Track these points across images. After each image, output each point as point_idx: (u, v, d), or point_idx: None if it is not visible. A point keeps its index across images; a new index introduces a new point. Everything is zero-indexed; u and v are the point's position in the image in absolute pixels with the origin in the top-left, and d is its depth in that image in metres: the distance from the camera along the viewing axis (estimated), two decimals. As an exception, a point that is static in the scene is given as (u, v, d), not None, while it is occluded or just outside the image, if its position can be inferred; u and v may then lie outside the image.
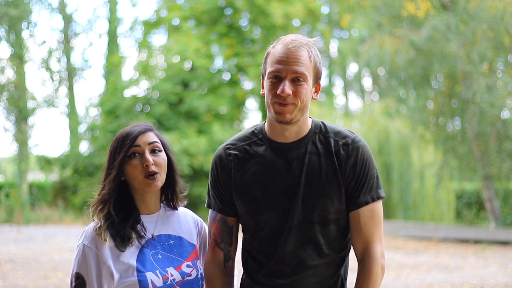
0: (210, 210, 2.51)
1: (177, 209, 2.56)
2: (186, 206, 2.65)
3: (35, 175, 29.54)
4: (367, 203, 2.34)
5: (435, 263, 11.88)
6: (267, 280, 2.37)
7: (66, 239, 15.75)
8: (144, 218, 2.46)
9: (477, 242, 15.39)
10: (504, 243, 15.03)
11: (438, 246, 14.94)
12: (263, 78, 2.39)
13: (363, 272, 2.31)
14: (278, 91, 2.27)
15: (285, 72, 2.28)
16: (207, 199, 2.53)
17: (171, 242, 2.46)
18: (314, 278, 2.35)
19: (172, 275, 2.38)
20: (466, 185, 20.63)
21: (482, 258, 12.59)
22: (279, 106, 2.28)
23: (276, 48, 2.32)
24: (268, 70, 2.32)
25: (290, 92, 2.26)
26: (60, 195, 23.73)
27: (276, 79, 2.29)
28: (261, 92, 2.42)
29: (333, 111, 26.35)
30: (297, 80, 2.28)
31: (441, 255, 13.09)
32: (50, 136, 48.94)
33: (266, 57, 2.36)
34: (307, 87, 2.30)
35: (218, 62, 23.65)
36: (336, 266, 2.38)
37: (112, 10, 27.78)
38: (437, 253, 13.55)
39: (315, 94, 2.39)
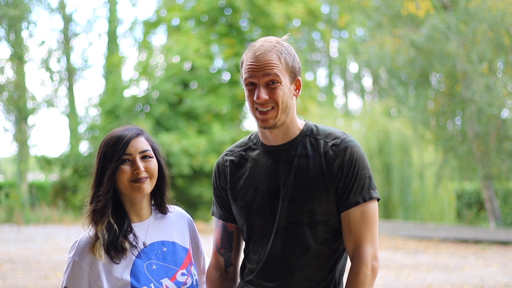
0: (214, 217, 2.54)
1: (166, 214, 2.52)
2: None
3: (35, 175, 29.54)
4: (357, 203, 2.30)
5: (435, 263, 11.87)
6: (256, 282, 2.37)
7: (66, 239, 15.75)
8: (135, 226, 2.41)
9: (477, 242, 15.39)
10: (504, 243, 15.02)
11: (438, 246, 14.94)
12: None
13: (351, 273, 2.29)
14: (254, 98, 2.29)
15: (257, 78, 2.29)
16: (212, 206, 2.57)
17: (164, 249, 2.42)
18: (303, 282, 2.33)
19: (167, 287, 2.35)
20: (466, 185, 20.64)
21: (482, 258, 12.59)
22: (260, 114, 2.30)
23: (247, 56, 2.34)
24: (243, 78, 2.34)
25: (266, 97, 2.27)
26: (60, 195, 23.73)
27: (252, 85, 2.31)
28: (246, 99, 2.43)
29: (333, 111, 26.36)
30: (271, 83, 2.29)
31: (441, 255, 13.09)
32: (50, 136, 49.02)
33: (241, 65, 2.38)
34: (284, 88, 2.30)
35: (218, 62, 23.65)
36: (327, 270, 2.35)
37: (112, 10, 27.78)
38: (437, 253, 13.55)
39: (296, 91, 2.38)
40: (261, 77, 2.29)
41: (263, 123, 2.31)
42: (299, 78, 2.38)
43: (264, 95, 2.28)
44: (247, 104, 2.38)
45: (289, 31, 22.85)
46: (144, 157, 2.39)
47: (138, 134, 2.41)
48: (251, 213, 2.38)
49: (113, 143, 2.38)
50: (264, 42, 2.34)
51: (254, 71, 2.29)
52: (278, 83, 2.29)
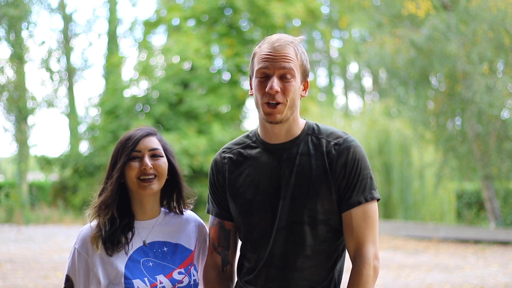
0: (210, 215, 2.52)
1: (182, 214, 2.55)
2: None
3: (35, 175, 29.54)
4: (359, 203, 2.30)
5: (435, 263, 11.87)
6: (257, 282, 2.36)
7: (66, 239, 15.74)
8: (139, 223, 2.45)
9: (477, 242, 15.38)
10: (504, 243, 15.02)
11: (438, 246, 14.93)
12: (250, 78, 2.39)
13: (354, 273, 2.29)
14: (267, 89, 2.26)
15: (273, 69, 2.27)
16: (207, 204, 2.54)
17: (165, 249, 2.45)
18: (304, 281, 2.33)
19: (161, 283, 2.38)
20: (466, 185, 20.65)
21: (482, 258, 12.58)
22: (269, 107, 2.28)
23: (262, 48, 2.32)
24: (256, 68, 2.31)
25: (279, 89, 2.26)
26: (60, 195, 23.73)
27: (264, 77, 2.29)
28: (249, 93, 2.41)
29: (333, 111, 26.36)
30: (285, 77, 2.28)
31: (441, 255, 13.08)
32: (50, 136, 49.02)
33: (253, 57, 2.36)
34: (295, 84, 2.30)
35: (218, 62, 23.65)
36: (327, 270, 2.35)
37: (112, 10, 27.78)
38: (437, 253, 13.55)
39: (304, 91, 2.38)
40: (277, 69, 2.27)
41: (270, 117, 2.29)
42: (308, 80, 2.39)
43: (277, 86, 2.25)
44: (254, 97, 2.34)
45: (289, 31, 22.85)
46: (154, 156, 2.43)
47: (149, 134, 2.46)
48: (251, 211, 2.36)
49: (125, 141, 2.44)
50: (281, 36, 2.34)
51: (271, 61, 2.27)
52: (292, 78, 2.28)
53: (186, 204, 2.55)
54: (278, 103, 2.27)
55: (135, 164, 2.39)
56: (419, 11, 15.95)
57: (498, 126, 15.90)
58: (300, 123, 2.40)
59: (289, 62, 2.28)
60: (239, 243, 2.50)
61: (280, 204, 2.32)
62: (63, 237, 16.18)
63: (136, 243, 2.42)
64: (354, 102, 39.69)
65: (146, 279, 2.36)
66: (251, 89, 2.38)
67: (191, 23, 23.82)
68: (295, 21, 24.45)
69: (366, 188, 2.32)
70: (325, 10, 29.63)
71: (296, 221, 2.31)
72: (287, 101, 2.28)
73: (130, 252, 2.39)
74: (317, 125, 2.42)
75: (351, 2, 17.97)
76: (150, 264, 2.40)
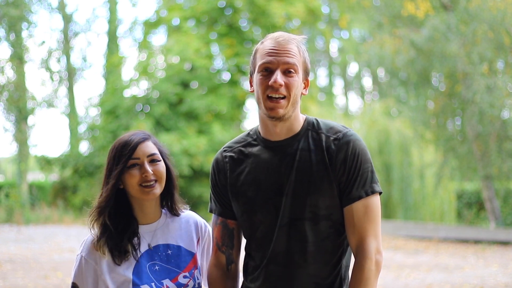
0: (212, 214, 2.52)
1: (179, 215, 2.56)
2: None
3: (35, 175, 29.55)
4: (360, 197, 2.29)
5: (435, 263, 11.87)
6: (261, 280, 2.36)
7: (66, 239, 15.74)
8: (142, 228, 2.47)
9: (477, 242, 15.38)
10: (504, 243, 15.01)
11: (438, 246, 14.93)
12: (251, 75, 2.38)
13: (356, 268, 2.28)
14: (270, 82, 2.26)
15: (277, 64, 2.28)
16: (209, 203, 2.54)
17: (169, 252, 2.47)
18: (308, 278, 2.32)
19: (168, 287, 2.40)
20: (466, 185, 20.66)
21: (482, 258, 12.58)
22: (271, 102, 2.27)
23: (265, 44, 2.33)
24: (259, 63, 2.31)
25: (283, 82, 2.26)
26: (60, 195, 23.73)
27: (267, 71, 2.29)
28: (250, 90, 2.41)
29: (333, 111, 26.37)
30: (288, 72, 2.28)
31: (441, 255, 13.08)
32: (50, 136, 49.02)
33: (255, 53, 2.36)
34: (298, 80, 2.30)
35: (218, 62, 23.66)
36: (332, 265, 2.35)
37: (112, 10, 27.79)
38: (437, 253, 13.55)
39: (304, 89, 2.38)
40: (281, 63, 2.28)
41: (272, 112, 2.28)
42: (308, 79, 2.39)
43: (281, 80, 2.26)
44: (256, 92, 2.33)
45: (289, 31, 22.84)
46: (152, 161, 2.43)
47: (145, 139, 2.46)
48: (254, 209, 2.36)
49: (121, 147, 2.43)
50: (283, 33, 2.34)
51: (275, 56, 2.27)
52: (295, 73, 2.29)
53: (180, 205, 2.56)
54: (281, 98, 2.27)
55: (135, 172, 2.40)
56: (418, 12, 15.96)
57: (498, 126, 15.91)
58: (300, 119, 2.40)
59: (293, 57, 2.28)
60: (243, 241, 2.50)
61: (282, 201, 2.32)
62: (63, 237, 16.18)
63: (142, 248, 2.44)
64: (354, 102, 39.72)
65: (153, 284, 2.38)
66: (251, 86, 2.38)
67: (191, 23, 23.82)
68: (295, 21, 24.45)
69: (367, 182, 2.31)
70: (325, 10, 29.62)
71: (298, 217, 2.31)
72: (290, 95, 2.27)
73: (138, 258, 2.41)
74: (317, 120, 2.42)
75: (351, 2, 17.97)
76: (156, 268, 2.42)
